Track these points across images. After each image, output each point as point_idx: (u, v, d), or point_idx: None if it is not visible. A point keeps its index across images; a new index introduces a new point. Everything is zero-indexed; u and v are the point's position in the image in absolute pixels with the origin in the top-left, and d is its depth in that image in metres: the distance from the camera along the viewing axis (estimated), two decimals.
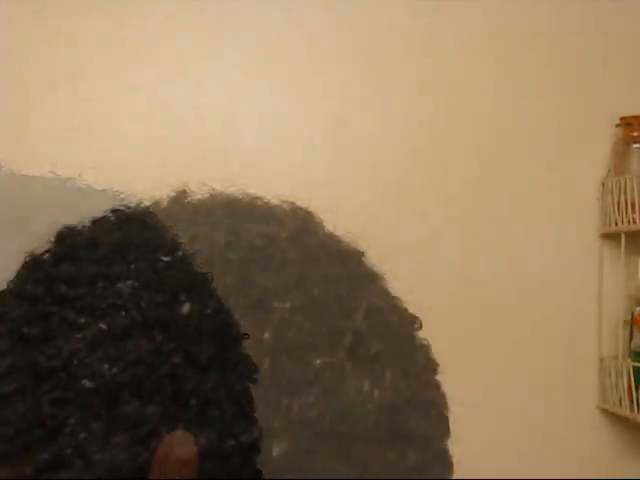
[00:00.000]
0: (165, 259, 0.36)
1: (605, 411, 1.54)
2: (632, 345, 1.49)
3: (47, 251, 0.38)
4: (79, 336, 0.35)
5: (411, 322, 0.42)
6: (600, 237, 1.55)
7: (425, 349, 0.42)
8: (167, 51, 1.51)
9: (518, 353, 1.53)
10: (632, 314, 1.50)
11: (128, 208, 0.41)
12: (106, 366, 0.34)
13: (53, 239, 0.39)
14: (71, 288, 0.36)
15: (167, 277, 0.36)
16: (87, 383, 0.34)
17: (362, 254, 0.43)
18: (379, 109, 1.54)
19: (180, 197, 0.43)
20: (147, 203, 0.43)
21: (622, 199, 1.47)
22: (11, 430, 0.34)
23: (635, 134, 1.51)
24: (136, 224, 0.39)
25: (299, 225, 0.42)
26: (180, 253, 0.37)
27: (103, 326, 0.35)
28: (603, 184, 1.55)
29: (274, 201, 0.43)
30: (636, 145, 1.50)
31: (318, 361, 0.36)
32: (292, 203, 0.43)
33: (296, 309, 0.37)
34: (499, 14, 1.56)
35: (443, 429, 0.39)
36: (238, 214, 0.41)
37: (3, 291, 0.39)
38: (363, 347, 0.37)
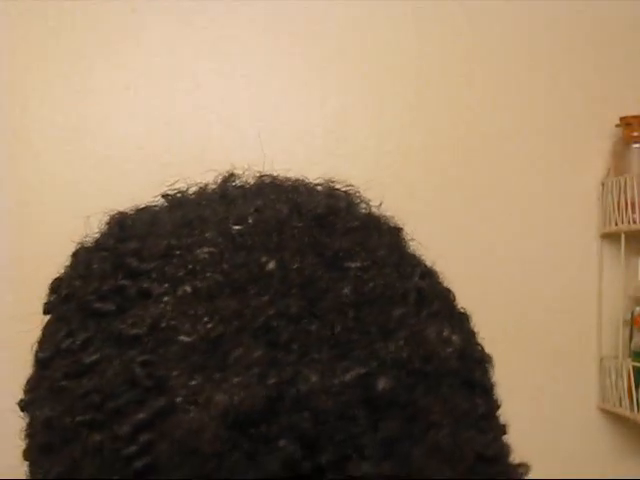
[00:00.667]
0: (236, 227, 0.38)
1: (605, 411, 1.54)
2: (632, 345, 1.49)
3: (102, 235, 0.42)
4: (166, 299, 0.36)
5: (450, 291, 0.46)
6: (600, 237, 1.55)
7: (467, 316, 0.46)
8: (167, 51, 1.51)
9: (518, 353, 1.53)
10: (632, 314, 1.50)
11: (179, 192, 0.44)
12: (201, 322, 0.35)
13: (106, 224, 0.42)
14: (143, 262, 0.38)
15: (244, 242, 0.38)
16: (185, 338, 0.35)
17: (402, 229, 0.46)
18: (379, 109, 1.54)
19: (229, 179, 0.45)
20: (194, 188, 0.45)
21: (622, 199, 1.47)
22: (99, 397, 0.36)
23: (635, 134, 1.50)
24: (191, 204, 0.42)
25: (349, 198, 0.44)
26: (250, 221, 0.39)
27: (188, 289, 0.36)
28: (603, 184, 1.55)
29: (316, 181, 0.45)
30: (636, 145, 1.50)
31: (396, 311, 0.37)
32: (333, 181, 0.45)
33: (365, 269, 0.38)
34: (499, 14, 1.56)
35: (494, 383, 0.43)
36: (291, 190, 0.43)
37: (63, 275, 0.42)
38: (426, 304, 0.40)
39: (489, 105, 1.55)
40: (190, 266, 0.37)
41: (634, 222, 1.45)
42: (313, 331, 0.35)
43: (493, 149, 1.55)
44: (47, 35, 1.49)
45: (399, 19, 1.54)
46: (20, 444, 0.44)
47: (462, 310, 0.45)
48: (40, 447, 0.39)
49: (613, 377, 1.49)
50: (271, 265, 0.37)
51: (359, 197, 0.45)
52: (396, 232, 0.46)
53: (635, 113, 1.51)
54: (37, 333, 0.45)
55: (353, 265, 0.38)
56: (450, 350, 0.38)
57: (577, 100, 1.56)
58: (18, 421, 0.45)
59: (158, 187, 0.51)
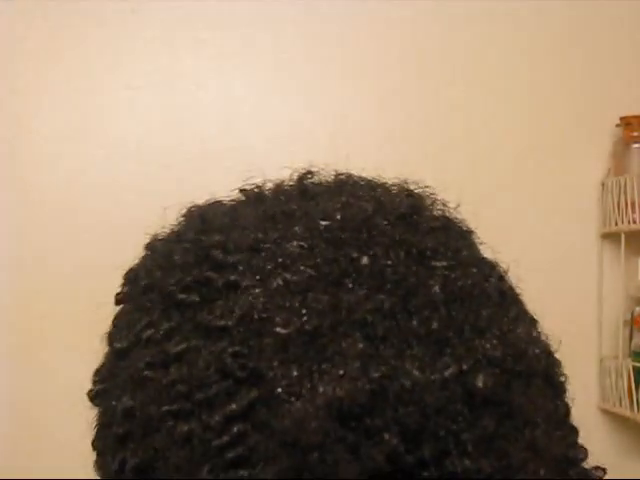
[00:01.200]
0: (324, 223, 0.39)
1: (605, 411, 1.54)
2: (632, 345, 1.49)
3: (181, 227, 0.42)
4: (256, 292, 0.36)
5: (521, 295, 0.47)
6: (600, 237, 1.55)
7: (537, 320, 0.47)
8: (167, 51, 1.51)
9: None
10: (632, 314, 1.50)
11: (256, 187, 0.44)
12: (296, 314, 0.35)
13: (183, 216, 0.42)
14: (229, 254, 0.38)
15: (333, 237, 0.38)
16: (281, 330, 0.35)
17: (473, 232, 0.48)
18: (380, 109, 1.54)
19: (305, 176, 0.46)
20: (270, 184, 0.45)
21: (622, 199, 1.47)
22: (187, 387, 0.35)
23: (635, 134, 1.50)
24: (270, 200, 0.42)
25: (428, 199, 0.46)
26: (338, 217, 0.39)
27: (280, 281, 0.36)
28: (603, 184, 1.55)
29: (390, 180, 0.46)
30: (636, 145, 1.50)
31: (485, 311, 0.38)
32: (407, 182, 0.47)
33: (451, 268, 0.39)
34: (499, 14, 1.56)
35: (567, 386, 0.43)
36: (371, 188, 0.44)
37: (139, 266, 0.42)
38: (508, 305, 0.41)
39: (489, 105, 1.55)
40: (280, 259, 0.37)
41: (634, 222, 1.45)
42: (409, 327, 0.35)
43: (493, 149, 1.55)
44: (47, 35, 1.49)
45: (399, 19, 1.54)
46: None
47: (533, 314, 0.45)
48: (117, 437, 0.39)
49: (613, 377, 1.49)
50: (364, 260, 0.37)
51: (435, 198, 0.47)
52: (469, 234, 0.47)
53: (635, 113, 1.51)
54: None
55: (439, 264, 0.38)
56: (538, 351, 0.40)
57: (577, 100, 1.56)
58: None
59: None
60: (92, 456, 0.42)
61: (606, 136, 1.55)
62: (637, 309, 1.49)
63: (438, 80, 1.55)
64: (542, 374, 0.39)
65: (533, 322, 0.44)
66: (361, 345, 0.34)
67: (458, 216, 0.48)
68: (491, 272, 0.42)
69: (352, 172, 0.47)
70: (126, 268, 0.44)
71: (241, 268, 0.37)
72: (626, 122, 1.52)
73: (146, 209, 1.44)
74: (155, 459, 0.36)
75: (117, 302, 0.42)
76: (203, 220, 0.42)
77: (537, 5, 1.55)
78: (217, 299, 0.37)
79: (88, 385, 0.45)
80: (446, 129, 1.55)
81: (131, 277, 0.42)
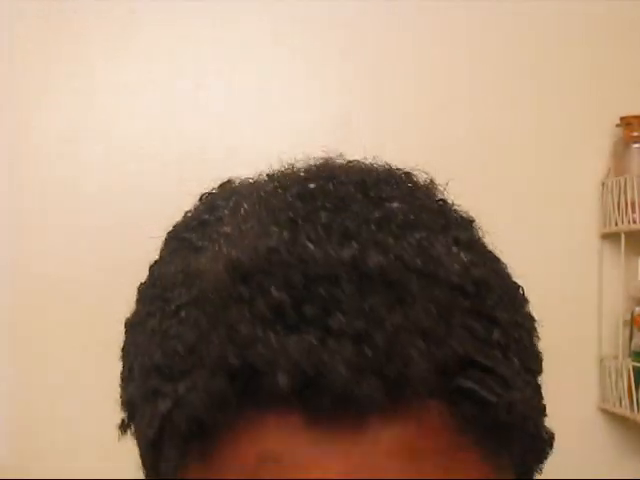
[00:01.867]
0: (310, 185, 0.44)
1: (605, 411, 1.54)
2: (632, 345, 1.49)
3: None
4: (227, 220, 0.42)
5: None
6: (600, 237, 1.55)
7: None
8: (167, 51, 1.51)
9: None
10: (632, 314, 1.50)
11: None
12: (243, 220, 0.41)
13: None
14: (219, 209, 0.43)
15: (306, 186, 0.43)
16: (225, 229, 0.41)
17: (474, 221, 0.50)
18: (380, 109, 1.54)
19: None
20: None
21: (622, 199, 1.47)
22: (160, 290, 0.42)
23: (635, 134, 1.50)
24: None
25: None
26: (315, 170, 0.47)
27: (242, 212, 0.41)
28: (603, 184, 1.55)
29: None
30: (636, 145, 1.50)
31: (412, 232, 0.41)
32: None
33: (400, 208, 0.42)
34: (499, 15, 1.56)
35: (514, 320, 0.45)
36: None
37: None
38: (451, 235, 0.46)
39: (489, 105, 1.55)
40: (254, 193, 0.43)
41: (634, 222, 1.45)
42: (329, 224, 0.38)
43: (493, 149, 1.55)
44: (47, 35, 1.49)
45: (399, 19, 1.54)
46: None
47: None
48: (121, 349, 0.43)
49: (613, 377, 1.49)
50: (312, 185, 0.42)
51: (433, 184, 0.49)
52: (467, 221, 0.49)
53: (635, 113, 1.51)
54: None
55: (392, 204, 0.41)
56: (457, 267, 0.39)
57: (577, 100, 1.56)
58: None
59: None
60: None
61: (606, 136, 1.55)
62: (637, 309, 1.49)
63: (438, 80, 1.55)
64: (460, 290, 0.38)
65: (481, 257, 0.44)
66: (275, 229, 0.38)
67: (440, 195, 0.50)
68: (450, 219, 0.46)
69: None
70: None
71: (224, 204, 0.43)
72: (626, 122, 1.52)
73: (146, 209, 1.44)
74: (135, 356, 0.41)
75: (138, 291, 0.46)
76: (222, 185, 0.48)
77: (537, 5, 1.55)
78: (205, 230, 0.42)
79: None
80: (446, 129, 1.55)
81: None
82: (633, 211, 1.45)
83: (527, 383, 0.43)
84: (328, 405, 0.34)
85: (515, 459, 0.41)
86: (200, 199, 0.47)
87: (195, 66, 1.52)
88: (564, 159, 1.56)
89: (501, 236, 1.63)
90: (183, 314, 0.38)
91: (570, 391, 1.54)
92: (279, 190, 0.42)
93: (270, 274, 0.36)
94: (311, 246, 0.37)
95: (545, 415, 0.43)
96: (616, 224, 1.49)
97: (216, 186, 0.47)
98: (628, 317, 1.50)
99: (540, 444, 0.43)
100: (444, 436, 0.36)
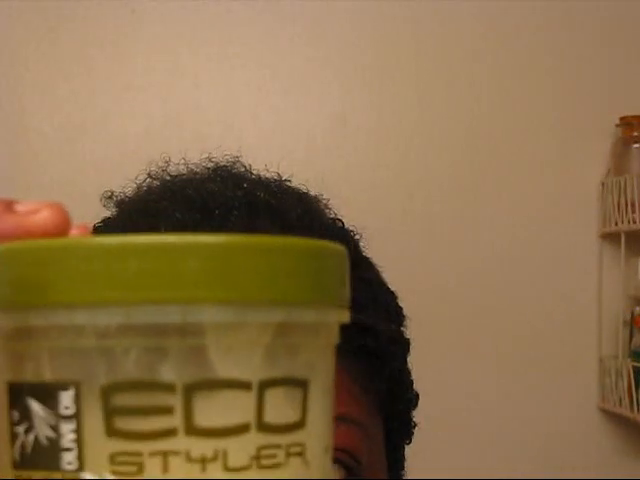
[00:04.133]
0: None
1: (605, 411, 1.54)
2: (632, 345, 1.49)
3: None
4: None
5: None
6: (600, 237, 1.55)
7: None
8: (167, 51, 1.51)
9: (517, 353, 1.53)
10: (632, 314, 1.50)
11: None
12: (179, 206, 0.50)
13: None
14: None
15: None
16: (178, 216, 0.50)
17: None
18: (380, 109, 1.54)
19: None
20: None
21: (622, 199, 1.47)
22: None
23: (635, 134, 1.50)
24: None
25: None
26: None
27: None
28: (603, 184, 1.54)
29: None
30: (636, 145, 1.50)
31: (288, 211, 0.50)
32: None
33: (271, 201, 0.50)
34: (499, 14, 1.56)
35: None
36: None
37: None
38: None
39: (489, 105, 1.55)
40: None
41: (634, 222, 1.45)
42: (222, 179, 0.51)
43: (493, 149, 1.55)
44: (47, 35, 1.49)
45: (399, 19, 1.54)
46: None
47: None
48: None
49: (613, 377, 1.49)
50: (177, 181, 0.53)
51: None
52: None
53: (635, 113, 1.51)
54: None
55: (247, 185, 0.48)
56: (330, 220, 0.49)
57: (577, 100, 1.56)
58: None
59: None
60: None
61: (606, 136, 1.55)
62: (637, 309, 1.49)
63: (438, 80, 1.55)
64: (331, 229, 0.48)
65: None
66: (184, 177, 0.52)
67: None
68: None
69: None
70: None
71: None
72: (626, 122, 1.52)
73: None
74: None
75: None
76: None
77: (537, 5, 1.55)
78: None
79: None
80: (446, 129, 1.55)
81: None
82: (633, 211, 1.45)
83: (391, 326, 0.48)
84: None
85: (382, 394, 0.45)
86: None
87: (195, 66, 1.52)
88: (564, 159, 1.56)
89: (501, 236, 1.63)
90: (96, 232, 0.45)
91: (570, 391, 1.54)
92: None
93: (173, 202, 0.44)
94: (211, 185, 0.46)
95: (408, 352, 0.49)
96: (616, 224, 1.49)
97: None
98: (628, 317, 1.50)
99: (405, 383, 0.48)
100: None
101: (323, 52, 1.53)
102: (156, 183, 0.50)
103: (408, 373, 0.47)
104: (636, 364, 1.45)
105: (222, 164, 0.54)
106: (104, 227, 0.48)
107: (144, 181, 0.56)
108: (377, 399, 0.44)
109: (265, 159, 0.53)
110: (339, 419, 0.39)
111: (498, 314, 1.53)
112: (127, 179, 0.62)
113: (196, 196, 0.43)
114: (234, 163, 0.54)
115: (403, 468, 0.51)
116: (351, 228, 0.50)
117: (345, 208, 0.52)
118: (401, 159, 1.54)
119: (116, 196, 0.54)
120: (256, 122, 1.51)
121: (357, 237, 0.51)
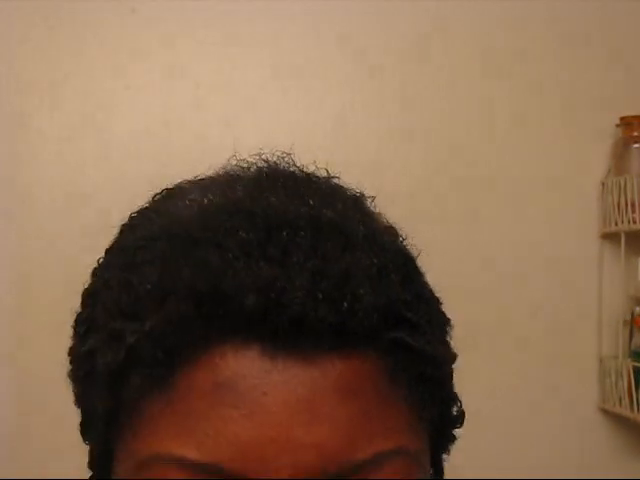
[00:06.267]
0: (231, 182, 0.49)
1: (605, 411, 1.54)
2: (632, 345, 1.49)
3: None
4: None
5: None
6: (600, 237, 1.55)
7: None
8: (167, 51, 1.51)
9: (517, 353, 1.53)
10: (632, 314, 1.50)
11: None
12: (179, 236, 0.43)
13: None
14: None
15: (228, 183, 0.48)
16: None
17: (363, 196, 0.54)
18: (380, 109, 1.54)
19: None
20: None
21: (622, 199, 1.47)
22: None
23: (635, 134, 1.50)
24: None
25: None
26: (240, 174, 0.51)
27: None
28: (603, 184, 1.55)
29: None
30: (636, 145, 1.50)
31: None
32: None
33: (323, 203, 0.46)
34: (499, 14, 1.56)
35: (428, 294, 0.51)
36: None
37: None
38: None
39: (489, 105, 1.55)
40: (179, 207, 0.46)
41: (634, 222, 1.45)
42: (283, 186, 0.45)
43: (493, 149, 1.55)
44: (47, 35, 1.49)
45: (399, 19, 1.54)
46: None
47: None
48: (85, 351, 0.45)
49: (613, 377, 1.49)
50: (239, 193, 0.44)
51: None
52: (360, 198, 0.52)
53: (635, 113, 1.51)
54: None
55: (312, 201, 0.44)
56: (392, 239, 0.47)
57: (577, 100, 1.56)
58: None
59: (158, 187, 0.52)
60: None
61: (606, 136, 1.55)
62: (637, 309, 1.49)
63: (439, 79, 1.55)
64: (393, 250, 0.45)
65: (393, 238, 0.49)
66: (240, 187, 0.45)
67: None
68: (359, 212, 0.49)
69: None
70: None
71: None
72: (626, 122, 1.52)
73: None
74: (96, 309, 0.45)
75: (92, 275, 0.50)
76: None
77: (537, 5, 1.55)
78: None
79: None
80: (445, 129, 1.55)
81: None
82: (633, 211, 1.45)
83: (445, 346, 0.47)
84: (286, 325, 0.38)
85: (434, 415, 0.45)
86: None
87: (195, 66, 1.52)
88: (564, 159, 1.56)
89: (501, 236, 1.63)
90: (147, 254, 0.42)
91: (570, 391, 1.54)
92: (235, 176, 0.48)
93: (236, 218, 0.41)
94: (274, 200, 0.42)
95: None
96: (616, 224, 1.49)
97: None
98: (628, 317, 1.50)
99: (454, 406, 0.47)
100: (379, 383, 0.40)
101: (323, 52, 1.53)
102: (214, 191, 0.45)
103: (455, 393, 0.48)
104: (636, 364, 1.45)
105: (276, 166, 0.49)
106: (160, 233, 0.43)
107: (197, 184, 0.50)
108: (430, 424, 0.44)
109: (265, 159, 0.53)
110: (397, 452, 0.40)
111: (498, 314, 1.53)
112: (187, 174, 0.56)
113: (260, 212, 0.41)
114: (286, 163, 0.51)
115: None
116: (402, 234, 0.50)
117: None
118: (401, 159, 1.54)
119: (173, 196, 0.49)
120: (256, 122, 1.51)
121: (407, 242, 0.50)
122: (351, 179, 0.51)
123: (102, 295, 0.44)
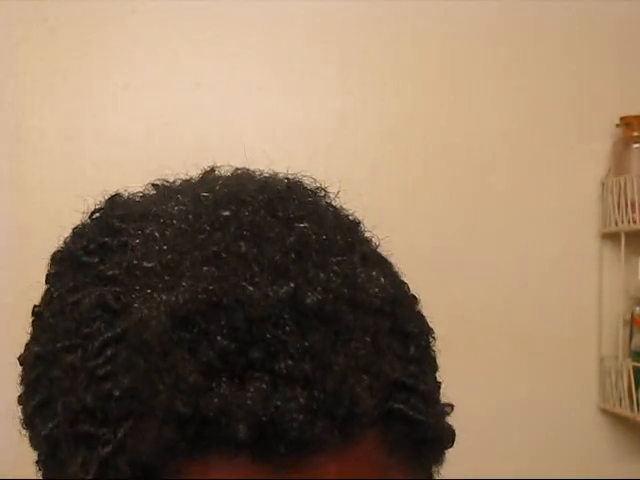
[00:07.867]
0: (204, 194, 0.44)
1: (605, 411, 1.54)
2: (632, 345, 1.49)
3: (96, 209, 0.48)
4: (138, 246, 0.41)
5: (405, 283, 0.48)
6: (600, 237, 1.55)
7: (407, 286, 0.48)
8: (167, 51, 1.51)
9: (518, 353, 1.53)
10: (632, 314, 1.50)
11: (165, 181, 0.50)
12: (162, 253, 0.40)
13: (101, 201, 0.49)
14: (124, 222, 0.44)
15: (208, 202, 0.43)
16: (146, 264, 0.40)
17: (360, 223, 0.50)
18: (380, 109, 1.54)
19: (210, 172, 0.51)
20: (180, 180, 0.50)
21: (622, 199, 1.47)
22: (76, 324, 0.40)
23: (635, 134, 1.51)
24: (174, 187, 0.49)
25: (310, 187, 0.49)
26: (217, 188, 0.45)
27: (156, 233, 0.41)
28: (603, 184, 1.55)
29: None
30: (636, 145, 1.50)
31: (335, 258, 0.41)
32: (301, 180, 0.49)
33: (312, 228, 0.43)
34: (499, 14, 1.56)
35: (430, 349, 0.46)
36: (261, 175, 0.49)
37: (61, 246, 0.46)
38: (368, 263, 0.43)
39: (489, 105, 1.55)
40: (161, 220, 0.42)
41: (634, 222, 1.45)
42: (255, 258, 0.39)
43: (493, 149, 1.55)
44: (47, 35, 1.49)
45: (399, 19, 1.54)
46: None
47: (406, 285, 0.47)
48: (29, 383, 0.44)
49: (613, 377, 1.50)
50: (226, 213, 0.41)
51: (322, 190, 0.48)
52: (355, 225, 0.48)
53: (635, 113, 1.51)
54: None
55: (302, 225, 0.41)
56: (377, 290, 0.41)
57: (577, 100, 1.56)
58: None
59: None
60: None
61: (606, 136, 1.55)
62: (637, 309, 1.49)
63: (438, 79, 1.55)
64: (382, 312, 0.40)
65: (386, 272, 0.45)
66: (207, 268, 0.38)
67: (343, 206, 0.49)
68: (357, 239, 0.45)
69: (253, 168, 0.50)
70: None
71: (132, 231, 0.42)
72: (626, 122, 1.52)
73: None
74: (52, 390, 0.41)
75: (45, 282, 0.46)
76: (113, 201, 0.49)
77: (537, 5, 1.55)
78: (112, 257, 0.41)
79: None
80: (445, 129, 1.55)
81: (53, 256, 0.47)
82: (633, 211, 1.45)
83: (437, 387, 0.45)
84: (283, 450, 0.35)
85: (429, 463, 0.43)
86: (90, 216, 0.48)
87: (195, 66, 1.52)
88: (564, 159, 1.56)
89: (501, 236, 1.63)
90: (109, 354, 0.38)
91: (570, 391, 1.54)
92: (190, 217, 0.41)
93: (211, 318, 0.37)
94: (249, 287, 0.37)
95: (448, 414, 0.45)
96: (616, 224, 1.49)
97: (101, 200, 0.49)
98: (628, 317, 1.50)
99: (445, 446, 0.45)
100: (377, 460, 0.38)
101: (323, 52, 1.53)
102: (182, 271, 0.39)
103: (450, 425, 0.45)
104: (636, 364, 1.45)
105: (254, 205, 0.43)
106: (122, 334, 0.39)
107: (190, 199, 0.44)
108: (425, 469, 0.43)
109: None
110: None
111: (498, 314, 1.53)
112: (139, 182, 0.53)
113: (234, 304, 0.37)
114: (269, 191, 0.44)
115: None
116: (398, 270, 0.47)
117: (344, 208, 0.52)
118: (401, 159, 1.54)
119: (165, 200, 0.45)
120: (256, 122, 1.51)
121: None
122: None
123: (55, 374, 0.41)
